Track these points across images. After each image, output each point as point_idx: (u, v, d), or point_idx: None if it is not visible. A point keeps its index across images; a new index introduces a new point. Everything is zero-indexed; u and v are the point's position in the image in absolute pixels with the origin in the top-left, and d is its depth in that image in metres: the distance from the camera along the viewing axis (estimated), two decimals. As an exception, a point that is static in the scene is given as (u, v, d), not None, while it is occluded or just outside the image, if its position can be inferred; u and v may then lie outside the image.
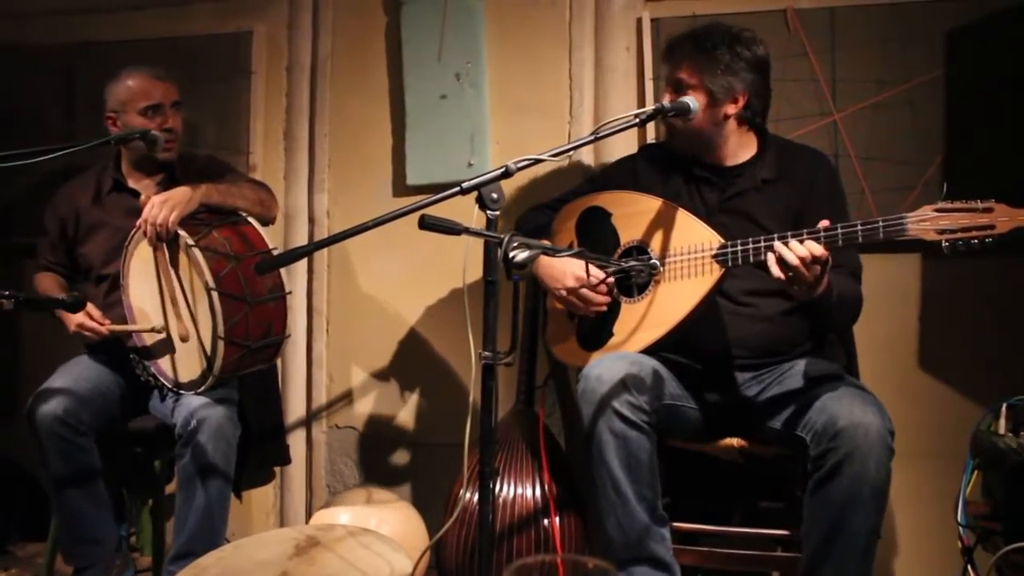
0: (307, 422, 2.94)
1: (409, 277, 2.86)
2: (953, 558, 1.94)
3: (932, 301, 2.48)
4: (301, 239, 2.91)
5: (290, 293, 2.28)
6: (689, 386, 2.07)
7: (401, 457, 2.89)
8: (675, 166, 2.16)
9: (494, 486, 2.21)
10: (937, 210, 1.69)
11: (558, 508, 2.27)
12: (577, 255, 1.97)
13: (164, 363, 2.27)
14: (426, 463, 2.85)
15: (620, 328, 2.06)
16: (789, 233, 1.79)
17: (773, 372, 2.07)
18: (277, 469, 2.92)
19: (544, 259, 2.10)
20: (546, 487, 2.28)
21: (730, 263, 1.91)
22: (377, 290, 2.91)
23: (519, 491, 2.29)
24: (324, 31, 2.92)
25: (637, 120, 1.86)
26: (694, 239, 1.97)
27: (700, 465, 2.17)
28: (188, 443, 2.14)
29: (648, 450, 1.90)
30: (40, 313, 2.45)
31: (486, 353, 1.55)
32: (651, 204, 2.07)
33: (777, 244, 1.77)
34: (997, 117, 2.41)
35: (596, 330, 2.11)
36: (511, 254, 1.56)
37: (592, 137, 1.80)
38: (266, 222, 2.39)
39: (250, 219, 2.30)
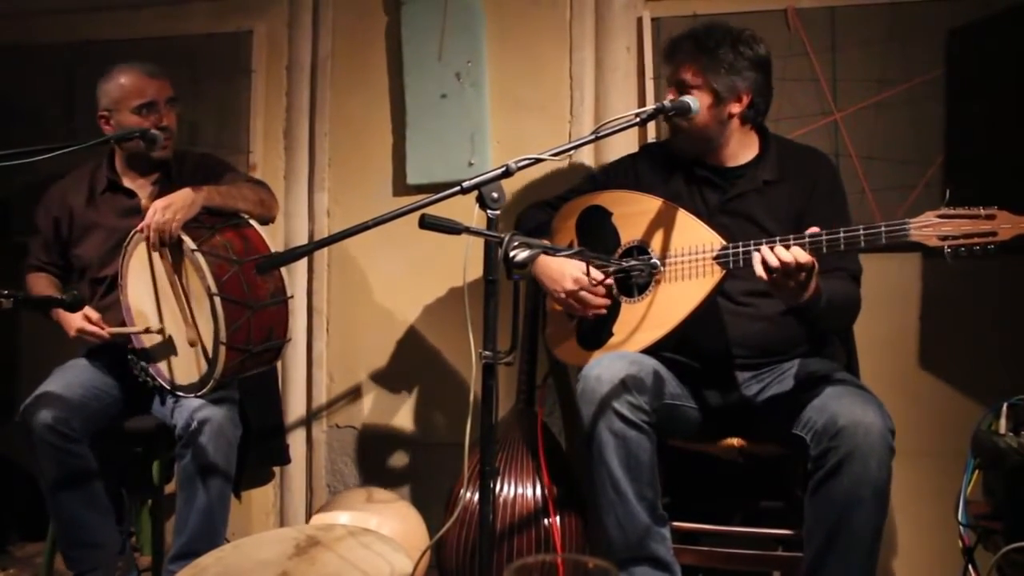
0: (307, 422, 2.94)
1: (409, 276, 2.86)
2: (954, 557, 1.94)
3: (932, 301, 2.48)
4: (301, 238, 2.91)
5: (292, 297, 2.27)
6: (689, 386, 2.06)
7: (401, 457, 2.89)
8: (676, 166, 2.16)
9: (494, 486, 2.21)
10: (940, 216, 1.69)
11: (558, 508, 2.27)
12: (577, 255, 1.97)
13: (164, 366, 2.26)
14: (426, 463, 2.85)
15: (620, 328, 2.06)
16: (791, 237, 1.80)
17: (773, 372, 2.07)
18: (277, 469, 2.92)
19: (542, 260, 2.10)
20: (546, 487, 2.28)
21: (731, 265, 1.91)
22: (377, 289, 2.91)
23: (519, 491, 2.29)
24: (324, 30, 2.92)
25: (638, 120, 1.87)
26: (695, 240, 1.97)
27: (700, 465, 2.17)
28: (189, 443, 2.14)
29: (648, 450, 1.90)
30: (39, 313, 2.44)
31: (486, 353, 1.55)
32: (652, 204, 2.06)
33: (763, 248, 1.78)
34: (997, 117, 2.41)
35: (596, 330, 2.11)
36: (511, 253, 1.56)
37: (592, 137, 1.80)
38: (266, 222, 2.38)
39: (251, 221, 2.29)
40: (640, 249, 2.07)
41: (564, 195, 2.33)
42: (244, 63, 2.95)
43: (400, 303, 2.88)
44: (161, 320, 2.23)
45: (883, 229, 1.72)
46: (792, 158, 2.12)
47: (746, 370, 2.08)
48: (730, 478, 2.21)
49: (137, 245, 2.23)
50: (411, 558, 1.89)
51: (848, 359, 2.19)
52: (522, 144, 2.68)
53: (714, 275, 1.94)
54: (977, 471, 1.84)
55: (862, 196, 2.46)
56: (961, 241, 1.67)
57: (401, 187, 2.86)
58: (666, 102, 1.98)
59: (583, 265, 2.03)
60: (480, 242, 1.57)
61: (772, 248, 1.76)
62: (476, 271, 1.57)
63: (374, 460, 2.90)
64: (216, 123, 2.96)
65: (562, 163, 2.65)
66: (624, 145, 2.58)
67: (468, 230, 1.55)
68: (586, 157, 2.71)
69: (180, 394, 2.22)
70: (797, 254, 1.74)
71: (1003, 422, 1.81)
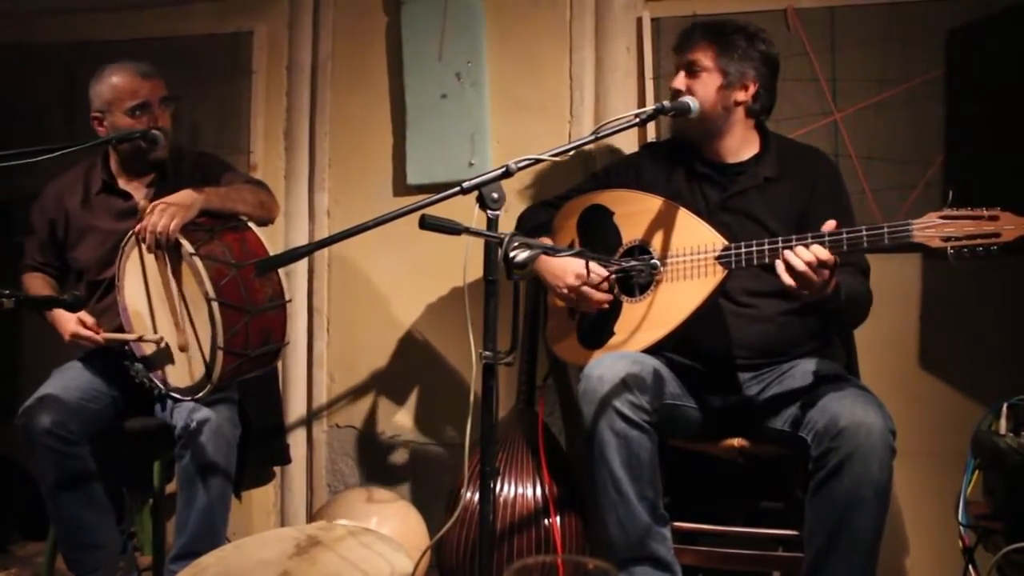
0: (308, 422, 2.94)
1: (409, 277, 2.86)
2: (954, 557, 1.94)
3: (932, 301, 2.48)
4: (301, 239, 2.91)
5: (290, 301, 2.25)
6: (690, 386, 2.06)
7: (401, 457, 2.89)
8: (677, 164, 2.16)
9: (494, 486, 2.22)
10: (942, 217, 1.69)
11: (558, 508, 2.27)
12: (578, 255, 1.97)
13: (160, 370, 2.25)
14: (426, 463, 2.85)
15: (621, 327, 2.06)
16: (794, 237, 1.80)
17: (773, 372, 2.07)
18: (278, 469, 2.92)
19: (545, 255, 2.10)
20: (546, 487, 2.28)
21: (733, 265, 1.91)
22: (377, 290, 2.91)
23: (519, 491, 2.29)
24: (324, 31, 2.92)
25: (637, 120, 1.87)
26: (697, 240, 1.97)
27: (701, 465, 2.17)
28: (188, 444, 2.13)
29: (649, 449, 1.90)
30: (35, 313, 2.43)
31: (486, 353, 1.55)
32: (653, 203, 2.07)
33: (785, 252, 1.77)
34: (997, 117, 2.41)
35: (597, 329, 2.11)
36: (511, 254, 1.56)
37: (592, 137, 1.80)
38: (266, 223, 2.36)
39: (250, 223, 2.27)
40: (641, 248, 2.07)
41: (565, 194, 2.33)
42: (245, 64, 2.95)
43: (400, 303, 2.88)
44: (154, 323, 2.21)
45: (886, 230, 1.73)
46: (793, 156, 2.13)
47: (747, 370, 2.08)
48: (730, 478, 2.21)
49: (134, 247, 2.21)
50: (411, 558, 1.89)
51: (848, 359, 2.19)
52: (522, 144, 2.68)
53: (716, 275, 1.94)
54: (977, 471, 1.84)
55: (862, 196, 2.46)
56: (964, 242, 1.67)
57: (401, 187, 2.86)
58: (666, 103, 2.00)
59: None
60: (480, 242, 1.57)
61: (794, 251, 1.76)
62: (476, 271, 1.58)
63: (374, 460, 2.90)
64: (217, 123, 2.96)
65: (562, 163, 2.65)
66: (624, 145, 2.58)
67: (468, 230, 1.55)
68: (586, 157, 2.71)
69: (176, 397, 2.22)
70: (818, 252, 1.73)
71: (1003, 422, 1.81)
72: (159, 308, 2.21)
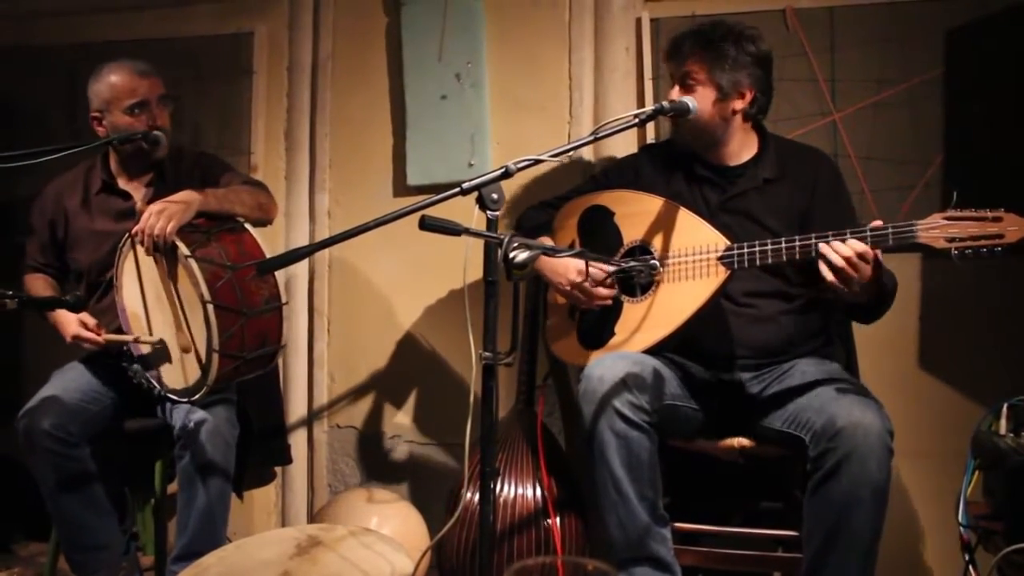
0: (308, 422, 2.94)
1: (409, 277, 2.86)
2: (954, 558, 1.94)
3: (932, 301, 2.48)
4: (302, 239, 2.91)
5: (286, 303, 2.24)
6: (690, 386, 2.07)
7: (401, 457, 2.89)
8: (677, 166, 2.16)
9: (494, 486, 2.22)
10: (946, 218, 1.69)
11: (558, 508, 2.28)
12: (578, 255, 1.97)
13: (158, 371, 2.25)
14: (426, 463, 2.85)
15: (622, 327, 2.06)
16: (796, 238, 1.81)
17: (773, 372, 2.07)
18: (278, 469, 2.92)
19: None
20: (546, 487, 2.28)
21: (735, 266, 1.91)
22: (378, 290, 2.91)
23: (519, 491, 2.29)
24: (325, 31, 2.93)
25: (637, 120, 1.87)
26: (699, 240, 1.97)
27: (701, 465, 2.17)
28: (187, 444, 2.14)
29: (649, 450, 1.91)
30: (37, 314, 2.43)
31: (486, 353, 1.55)
32: (654, 204, 2.07)
33: (822, 246, 1.76)
34: (996, 117, 2.41)
35: (597, 329, 2.11)
36: (511, 255, 1.57)
37: (592, 137, 1.80)
38: (264, 225, 2.35)
39: (247, 225, 2.25)
40: (642, 249, 2.07)
41: (566, 195, 2.33)
42: (245, 64, 2.96)
43: (401, 304, 2.89)
44: (150, 325, 2.21)
45: (890, 231, 1.73)
46: (792, 156, 2.13)
47: (747, 371, 2.08)
48: (730, 479, 2.22)
49: (132, 248, 2.21)
50: (412, 558, 1.89)
51: (848, 359, 2.19)
52: (522, 145, 2.68)
53: (718, 276, 1.94)
54: (977, 472, 1.84)
55: (861, 196, 2.46)
56: (968, 243, 1.67)
57: (401, 188, 2.86)
58: (665, 103, 1.99)
59: None
60: (480, 243, 1.57)
61: (831, 246, 1.75)
62: (476, 272, 1.58)
63: (375, 460, 2.91)
64: (217, 124, 2.97)
65: (562, 164, 2.66)
66: (623, 146, 2.58)
67: (468, 231, 1.55)
68: (586, 158, 2.71)
69: (173, 398, 2.22)
70: (855, 246, 1.73)
71: (1003, 423, 1.81)
72: (157, 310, 2.21)
